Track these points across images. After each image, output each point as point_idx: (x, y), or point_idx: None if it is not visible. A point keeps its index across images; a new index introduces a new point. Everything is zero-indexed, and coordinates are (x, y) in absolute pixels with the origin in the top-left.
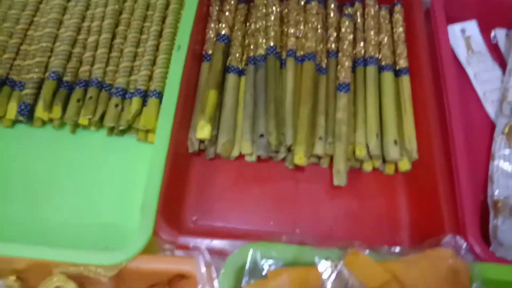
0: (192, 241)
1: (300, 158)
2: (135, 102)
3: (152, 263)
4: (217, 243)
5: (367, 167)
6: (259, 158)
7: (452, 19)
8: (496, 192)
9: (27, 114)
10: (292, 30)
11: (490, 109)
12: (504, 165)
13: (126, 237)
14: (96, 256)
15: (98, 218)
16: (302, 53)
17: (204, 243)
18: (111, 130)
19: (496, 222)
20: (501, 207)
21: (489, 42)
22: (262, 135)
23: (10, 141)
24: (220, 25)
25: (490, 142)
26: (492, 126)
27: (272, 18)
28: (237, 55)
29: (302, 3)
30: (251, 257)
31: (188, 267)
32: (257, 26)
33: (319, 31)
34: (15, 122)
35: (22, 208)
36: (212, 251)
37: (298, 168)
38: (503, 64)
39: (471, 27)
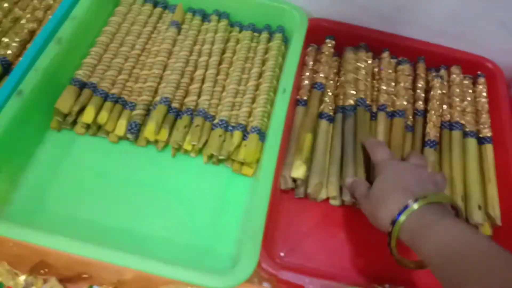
0: (291, 276)
1: None
2: (237, 135)
3: None
4: (317, 282)
5: None
6: (343, 204)
7: None
8: None
9: (136, 132)
10: (384, 87)
11: None
12: None
13: (216, 264)
14: (208, 278)
15: (187, 240)
16: (392, 109)
17: (307, 280)
18: (210, 158)
19: None
20: None
21: None
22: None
23: (113, 156)
24: (317, 74)
25: None
26: None
27: (364, 72)
28: (330, 103)
29: (394, 62)
30: None
31: None
32: (348, 78)
33: (409, 91)
34: (120, 138)
35: (120, 222)
36: None
37: None
38: None
39: None
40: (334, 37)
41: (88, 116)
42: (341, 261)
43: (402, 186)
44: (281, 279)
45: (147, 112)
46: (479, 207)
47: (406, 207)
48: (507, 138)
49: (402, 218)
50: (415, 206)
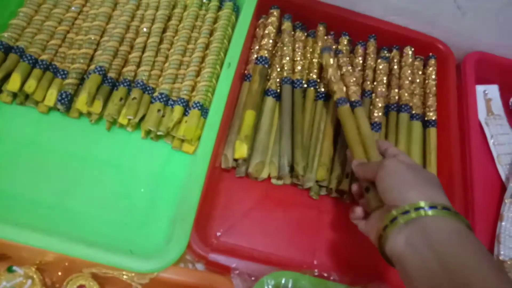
0: (221, 259)
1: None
2: (177, 110)
3: (185, 277)
4: (244, 264)
5: None
6: (285, 184)
7: (476, 80)
8: (502, 252)
9: (67, 103)
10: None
11: (502, 171)
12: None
13: (150, 242)
14: (132, 262)
15: (120, 217)
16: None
17: (235, 263)
18: (148, 133)
19: None
20: (508, 267)
21: (507, 106)
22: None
23: (43, 127)
24: (261, 47)
25: (500, 201)
26: (503, 186)
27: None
28: (278, 79)
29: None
30: (282, 286)
31: (222, 286)
32: (285, 52)
33: (356, 72)
34: (50, 109)
35: (48, 197)
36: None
37: (322, 199)
38: None
39: (493, 90)
40: (279, 6)
41: (13, 84)
42: (278, 243)
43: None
44: (210, 261)
45: (81, 81)
46: None
47: (434, 206)
48: (451, 122)
49: (431, 211)
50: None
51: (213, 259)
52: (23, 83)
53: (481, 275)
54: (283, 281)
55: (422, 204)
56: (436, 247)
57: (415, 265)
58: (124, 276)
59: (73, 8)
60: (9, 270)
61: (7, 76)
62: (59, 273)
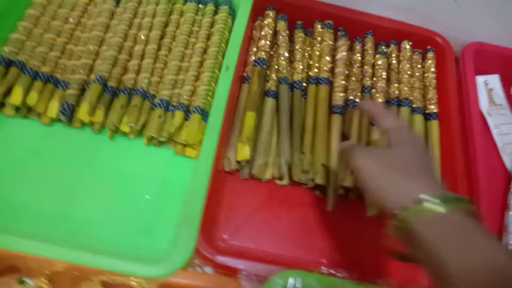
0: (228, 261)
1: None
2: (178, 115)
3: (194, 280)
4: (252, 265)
5: None
6: (289, 183)
7: (476, 71)
8: (511, 242)
9: (69, 114)
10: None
11: (508, 160)
12: None
13: (158, 248)
14: (141, 268)
15: (127, 224)
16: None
17: (242, 264)
18: (150, 140)
19: None
20: None
21: (510, 96)
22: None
23: (46, 139)
24: (258, 49)
25: (506, 191)
26: (508, 176)
27: (299, 49)
28: (277, 80)
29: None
30: (291, 285)
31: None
32: (280, 51)
33: (354, 68)
34: (53, 120)
35: (55, 206)
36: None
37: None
38: None
39: (494, 80)
40: (274, 8)
41: (15, 97)
42: (285, 243)
43: (430, 172)
44: (217, 264)
45: (82, 91)
46: None
47: (428, 199)
48: (452, 114)
49: (429, 205)
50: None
51: (220, 262)
52: (25, 96)
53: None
54: (290, 280)
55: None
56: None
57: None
58: (133, 282)
59: (71, 19)
60: (21, 282)
61: (9, 90)
62: (69, 283)
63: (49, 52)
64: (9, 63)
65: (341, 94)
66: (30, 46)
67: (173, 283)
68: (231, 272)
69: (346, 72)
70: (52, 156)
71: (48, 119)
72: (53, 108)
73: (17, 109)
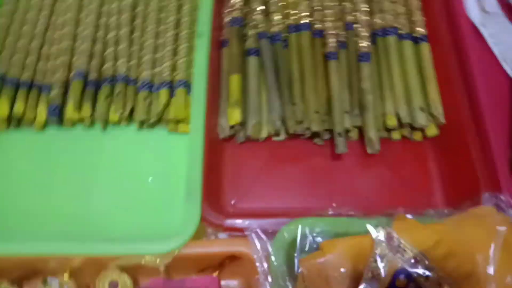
0: (237, 223)
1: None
2: (163, 94)
3: (205, 248)
4: (261, 223)
5: (396, 136)
6: (287, 138)
7: None
8: None
9: (58, 114)
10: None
11: (509, 68)
12: None
13: (170, 225)
14: (150, 246)
15: (135, 209)
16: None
17: (250, 223)
18: (142, 123)
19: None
20: None
21: (503, 1)
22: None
23: (42, 144)
24: (231, 8)
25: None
26: None
27: None
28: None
29: None
30: (300, 232)
31: (242, 248)
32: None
33: (334, 5)
34: (45, 125)
35: (62, 206)
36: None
37: (327, 143)
38: None
39: None
40: None
41: (2, 110)
42: (293, 196)
43: None
44: (229, 228)
45: (66, 90)
46: (422, 109)
47: None
48: (442, 33)
49: None
50: None
51: (230, 225)
52: (11, 107)
53: None
54: (299, 229)
55: None
56: None
57: None
58: (147, 261)
59: (40, 21)
60: (45, 282)
61: None
62: (90, 274)
63: (26, 58)
64: None
65: (333, 39)
66: (7, 56)
67: (185, 254)
68: (244, 233)
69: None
70: (52, 159)
71: (40, 125)
72: (42, 113)
73: (8, 121)
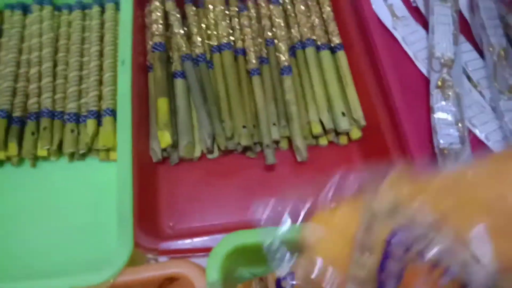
0: (178, 244)
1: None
2: (90, 123)
3: (140, 273)
4: (198, 241)
5: (323, 142)
6: (221, 154)
7: None
8: (441, 141)
9: None
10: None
11: (423, 67)
12: (443, 115)
13: (106, 254)
14: (84, 278)
15: (70, 242)
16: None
17: (190, 243)
18: (72, 155)
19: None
20: (447, 154)
21: (410, 6)
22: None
23: None
24: (153, 34)
25: (428, 96)
26: (428, 81)
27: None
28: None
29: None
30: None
31: (178, 269)
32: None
33: (253, 23)
34: None
35: None
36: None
37: (260, 155)
38: (426, 25)
39: None
40: None
41: None
42: (231, 211)
43: None
44: (166, 250)
45: None
46: (343, 114)
47: None
48: (355, 39)
49: None
50: None
51: (166, 248)
52: None
53: None
54: (232, 244)
55: None
56: None
57: None
58: None
59: None
60: None
61: None
62: None
63: None
64: None
65: (253, 56)
66: None
67: (122, 282)
68: (184, 254)
69: (249, 30)
70: None
71: None
72: None
73: None
